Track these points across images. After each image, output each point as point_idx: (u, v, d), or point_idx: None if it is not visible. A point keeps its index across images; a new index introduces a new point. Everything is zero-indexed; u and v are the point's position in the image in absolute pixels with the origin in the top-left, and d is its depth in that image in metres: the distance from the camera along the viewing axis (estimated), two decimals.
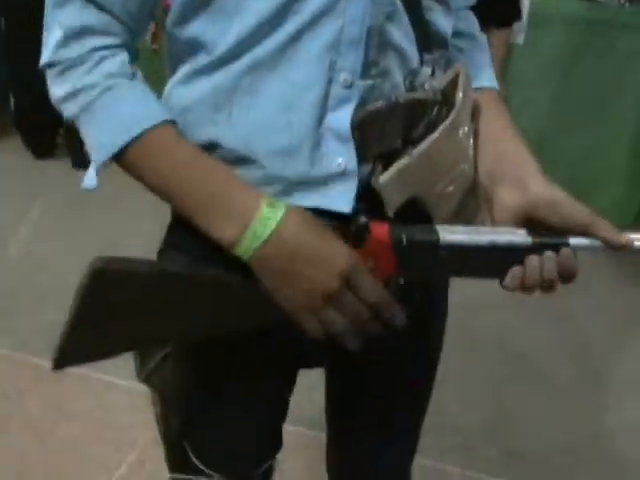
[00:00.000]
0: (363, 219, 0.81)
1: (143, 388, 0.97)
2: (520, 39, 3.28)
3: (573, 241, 0.84)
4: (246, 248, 0.79)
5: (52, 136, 4.30)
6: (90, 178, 0.85)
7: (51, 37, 0.85)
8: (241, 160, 0.85)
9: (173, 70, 0.91)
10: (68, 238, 3.32)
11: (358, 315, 0.81)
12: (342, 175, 0.85)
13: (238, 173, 0.84)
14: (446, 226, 0.84)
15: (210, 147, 0.86)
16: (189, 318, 0.84)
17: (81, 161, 3.64)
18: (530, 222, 0.87)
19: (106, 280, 0.79)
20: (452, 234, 0.82)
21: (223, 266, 0.82)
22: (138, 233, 3.18)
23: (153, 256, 0.97)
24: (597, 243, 0.85)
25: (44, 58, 0.86)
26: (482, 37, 1.07)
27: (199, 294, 0.83)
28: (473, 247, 0.82)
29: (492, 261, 0.83)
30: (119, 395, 2.28)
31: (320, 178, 0.85)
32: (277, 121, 0.83)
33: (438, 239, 0.81)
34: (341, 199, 0.85)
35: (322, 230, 0.80)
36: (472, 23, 1.06)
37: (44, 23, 0.87)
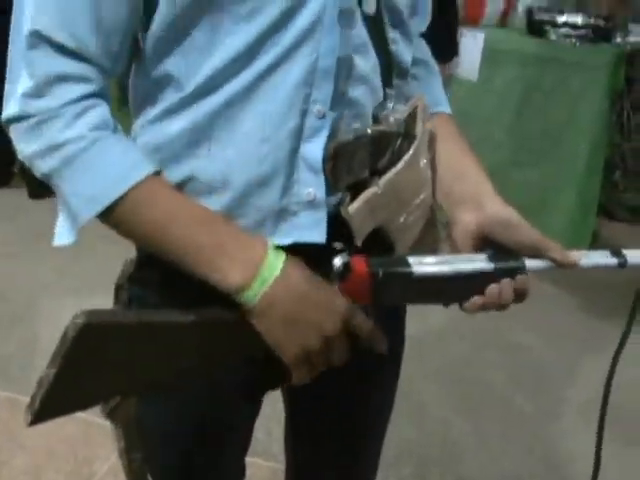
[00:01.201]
0: (345, 258, 0.84)
1: (102, 421, 0.96)
2: (474, 76, 3.35)
3: (529, 263, 0.89)
4: (255, 292, 0.80)
5: (8, 165, 4.25)
6: (66, 234, 0.83)
7: (17, 87, 0.79)
8: (215, 192, 0.86)
9: (140, 111, 0.89)
10: (24, 266, 3.29)
11: (346, 353, 0.85)
12: (311, 205, 0.87)
13: (210, 203, 0.85)
14: (415, 256, 0.87)
15: (185, 182, 0.86)
16: (176, 362, 0.85)
17: (38, 192, 3.61)
18: (485, 241, 0.92)
19: (91, 334, 0.77)
20: (423, 266, 0.86)
21: (199, 303, 0.83)
22: (91, 262, 3.17)
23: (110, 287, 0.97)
24: (549, 265, 0.90)
25: (8, 111, 0.80)
26: (433, 63, 1.12)
27: (186, 338, 0.84)
28: (441, 276, 0.86)
29: (457, 287, 0.87)
30: (78, 427, 2.25)
31: (291, 208, 0.87)
32: (253, 153, 0.84)
33: (411, 272, 0.85)
34: (314, 230, 0.87)
35: (312, 274, 0.84)
36: (424, 50, 1.11)
37: (7, 72, 0.81)
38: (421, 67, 1.08)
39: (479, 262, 0.88)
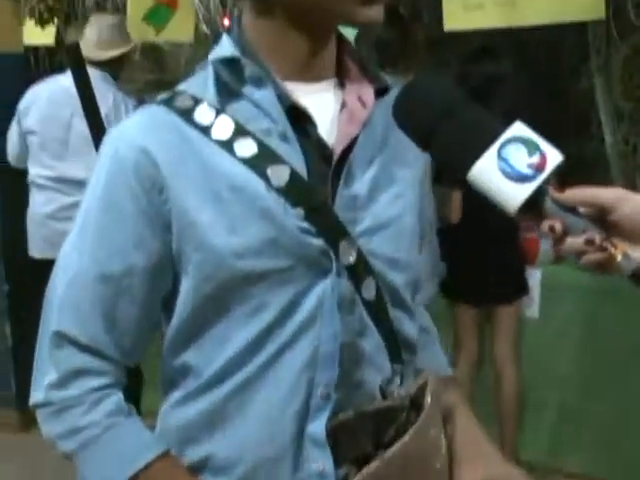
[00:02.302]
0: None
1: None
2: (534, 312, 3.40)
3: None
4: None
5: None
6: None
7: (44, 378, 0.93)
8: (228, 469, 0.94)
9: (167, 394, 1.00)
10: None
11: None
12: (321, 475, 0.93)
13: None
14: None
15: (203, 461, 0.95)
16: None
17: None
18: None
19: None
20: None
21: None
22: None
23: None
24: None
25: (35, 398, 0.94)
26: (433, 329, 1.19)
27: None
28: None
29: None
30: None
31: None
32: (262, 435, 0.93)
33: None
34: None
35: None
36: (424, 316, 1.17)
37: (35, 360, 0.94)
38: (423, 334, 1.14)
39: None
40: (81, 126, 2.95)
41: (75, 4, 4.41)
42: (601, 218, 0.80)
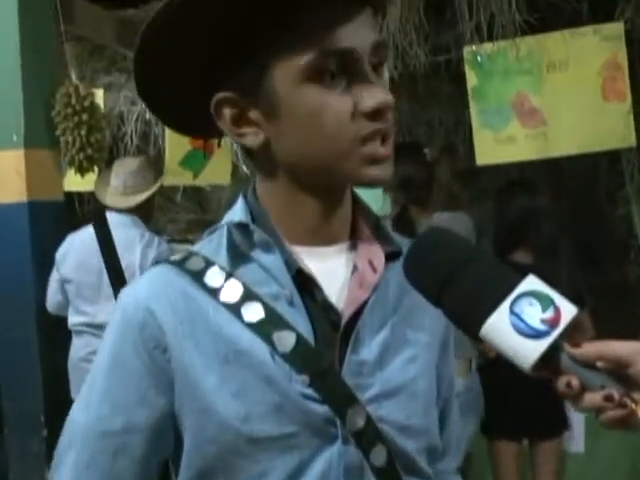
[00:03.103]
0: None
1: None
2: (580, 447, 3.26)
3: None
4: None
5: None
6: None
7: None
8: None
9: None
10: None
11: None
12: None
13: None
14: None
15: None
16: None
17: None
18: None
19: None
20: None
21: None
22: None
23: None
24: None
25: None
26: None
27: None
28: None
29: None
30: None
31: None
32: None
33: None
34: None
35: None
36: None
37: None
38: None
39: None
40: None
41: (115, 152, 4.60)
42: (619, 372, 0.76)
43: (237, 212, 0.97)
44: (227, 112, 0.90)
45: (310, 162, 0.89)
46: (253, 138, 0.91)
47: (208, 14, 0.84)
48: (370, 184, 0.90)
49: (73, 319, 3.10)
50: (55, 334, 3.14)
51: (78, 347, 3.09)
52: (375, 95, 0.86)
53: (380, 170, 0.89)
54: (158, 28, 0.85)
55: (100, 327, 2.91)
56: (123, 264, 2.98)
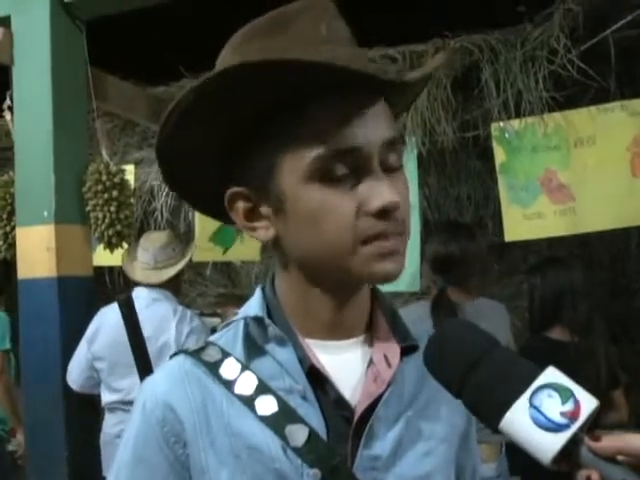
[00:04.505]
0: None
1: None
2: None
3: None
4: None
5: None
6: None
7: None
8: None
9: None
10: None
11: None
12: None
13: None
14: None
15: None
16: None
17: None
18: None
19: None
20: None
21: None
22: None
23: None
24: None
25: None
26: None
27: None
28: None
29: None
30: None
31: None
32: None
33: None
34: None
35: None
36: None
37: None
38: None
39: None
40: None
41: (146, 226, 4.64)
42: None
43: (253, 306, 0.97)
44: (240, 206, 0.91)
45: (316, 261, 0.89)
46: (265, 232, 0.91)
47: (222, 109, 0.85)
48: (381, 281, 0.89)
49: (106, 397, 3.07)
50: (82, 413, 3.11)
51: (110, 424, 3.06)
52: (381, 195, 0.84)
53: (390, 264, 0.87)
54: (174, 122, 0.86)
55: (132, 404, 2.88)
56: (158, 342, 2.97)
